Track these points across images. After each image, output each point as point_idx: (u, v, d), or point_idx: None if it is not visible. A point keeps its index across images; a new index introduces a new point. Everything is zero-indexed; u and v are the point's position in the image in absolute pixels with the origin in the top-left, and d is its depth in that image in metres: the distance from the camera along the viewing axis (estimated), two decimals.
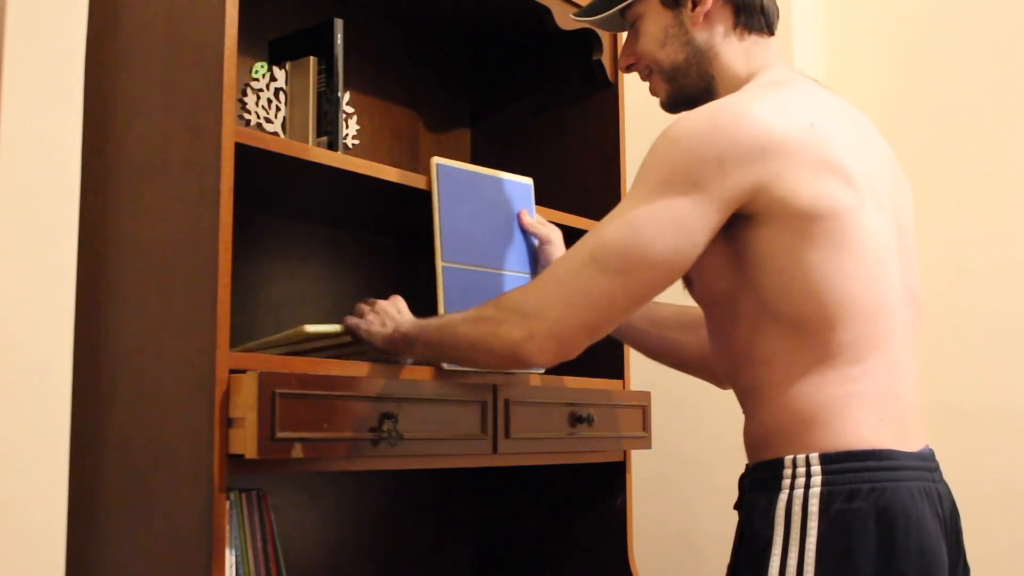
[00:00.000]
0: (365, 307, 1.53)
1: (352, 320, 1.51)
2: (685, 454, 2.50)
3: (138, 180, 1.51)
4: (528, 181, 1.89)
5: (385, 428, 1.46)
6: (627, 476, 2.00)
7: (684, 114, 1.30)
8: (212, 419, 1.34)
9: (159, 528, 1.40)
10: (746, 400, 1.35)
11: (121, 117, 1.55)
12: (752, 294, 1.28)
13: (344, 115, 1.87)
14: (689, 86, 1.44)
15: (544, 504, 2.13)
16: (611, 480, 2.01)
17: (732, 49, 1.42)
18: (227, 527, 1.36)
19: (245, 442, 1.33)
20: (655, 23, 1.45)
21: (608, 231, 1.28)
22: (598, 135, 2.12)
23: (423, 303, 1.63)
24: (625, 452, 1.99)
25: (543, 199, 2.09)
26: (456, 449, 1.61)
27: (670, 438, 2.43)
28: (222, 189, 1.38)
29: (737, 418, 1.38)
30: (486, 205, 1.76)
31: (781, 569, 1.20)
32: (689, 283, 1.38)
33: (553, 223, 1.96)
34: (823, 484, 1.21)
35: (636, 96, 2.43)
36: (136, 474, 1.44)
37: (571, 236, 2.03)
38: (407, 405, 1.51)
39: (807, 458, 1.23)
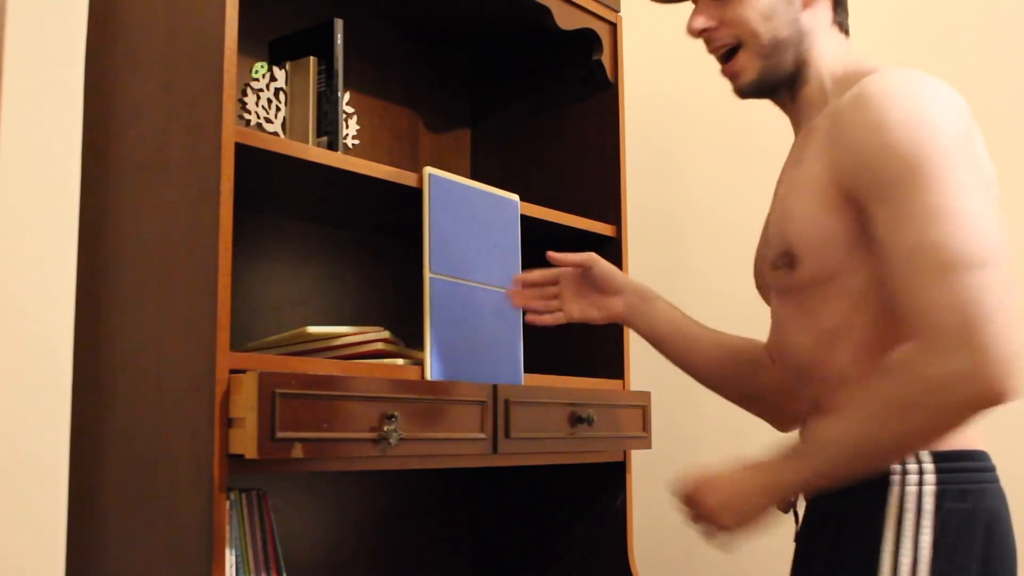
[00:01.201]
0: (689, 511, 1.28)
1: (709, 538, 1.27)
2: (685, 454, 2.50)
3: (138, 180, 1.51)
4: (515, 198, 1.87)
5: (385, 428, 1.46)
6: (627, 476, 2.00)
7: (896, 93, 1.17)
8: (212, 419, 1.34)
9: (159, 528, 1.40)
10: (834, 391, 1.25)
11: (121, 117, 1.55)
12: (868, 272, 1.21)
13: (344, 115, 1.87)
14: (782, 68, 1.32)
15: (544, 504, 2.13)
16: (611, 480, 2.01)
17: (829, 41, 1.34)
18: (227, 527, 1.36)
19: (245, 442, 1.33)
20: None
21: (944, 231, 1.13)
22: (598, 135, 2.12)
23: (421, 304, 1.62)
24: (625, 452, 1.99)
25: (543, 199, 2.09)
26: (456, 449, 1.61)
27: (670, 438, 2.43)
28: (222, 189, 1.38)
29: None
30: (475, 219, 1.74)
31: (894, 568, 1.16)
32: (790, 262, 1.25)
33: (552, 223, 1.96)
34: (937, 483, 1.18)
35: (636, 96, 2.44)
36: (136, 474, 1.44)
37: (571, 236, 2.03)
38: (407, 405, 1.50)
39: (918, 455, 1.19)
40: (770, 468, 1.23)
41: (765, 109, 1.43)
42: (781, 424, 1.56)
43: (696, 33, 1.35)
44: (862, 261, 1.21)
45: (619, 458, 1.98)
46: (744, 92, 1.35)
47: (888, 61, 1.29)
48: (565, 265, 1.61)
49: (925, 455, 1.19)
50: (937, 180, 1.14)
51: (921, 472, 1.19)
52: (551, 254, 1.60)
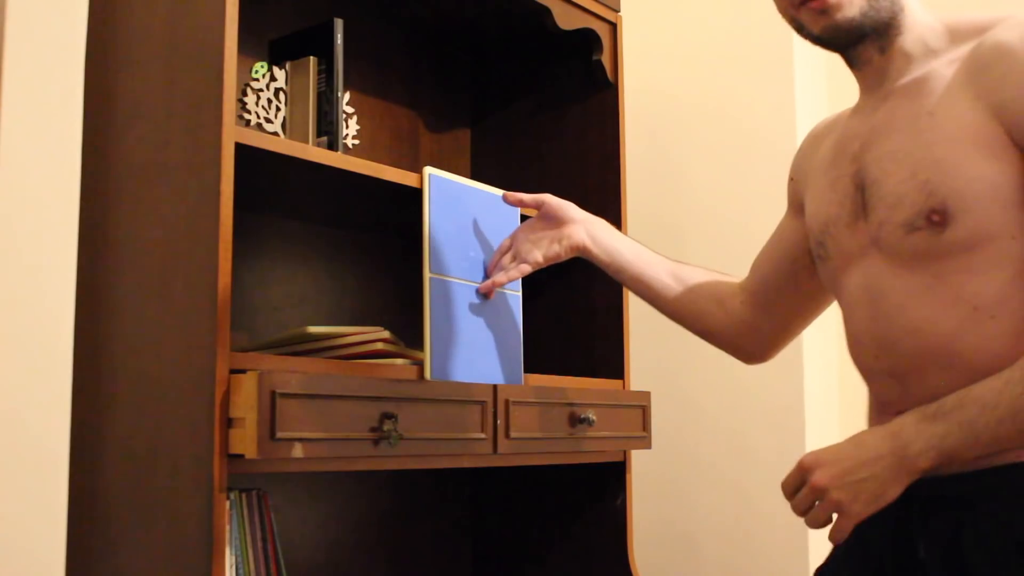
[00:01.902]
0: (800, 497, 1.10)
1: (824, 525, 1.10)
2: (685, 454, 2.50)
3: (138, 180, 1.51)
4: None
5: (385, 428, 1.46)
6: (627, 476, 2.00)
7: None
8: (212, 419, 1.34)
9: (159, 528, 1.40)
10: (962, 374, 1.08)
11: (121, 117, 1.55)
12: None
13: (344, 115, 1.87)
14: (883, 10, 1.17)
15: (544, 504, 2.13)
16: (611, 480, 2.01)
17: None
18: (227, 527, 1.36)
19: (245, 442, 1.33)
20: None
21: None
22: (598, 135, 2.12)
23: (421, 304, 1.62)
24: (625, 452, 1.99)
25: None
26: (456, 449, 1.61)
27: (670, 438, 2.43)
28: (222, 189, 1.38)
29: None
30: (475, 219, 1.74)
31: None
32: (941, 220, 1.09)
33: None
34: None
35: (636, 96, 2.44)
36: (136, 474, 1.44)
37: None
38: (407, 405, 1.50)
39: None
40: (897, 432, 1.05)
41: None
42: (748, 358, 1.51)
43: None
44: None
45: (619, 458, 1.98)
46: (841, 28, 1.18)
47: None
48: (518, 204, 1.62)
49: None
50: None
51: None
52: (506, 193, 1.64)
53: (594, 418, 1.82)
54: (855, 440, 1.08)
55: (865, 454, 1.06)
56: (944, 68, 1.14)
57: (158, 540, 1.40)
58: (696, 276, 1.53)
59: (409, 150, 2.19)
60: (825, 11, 1.17)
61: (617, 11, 2.12)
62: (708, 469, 2.49)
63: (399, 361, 1.62)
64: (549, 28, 1.99)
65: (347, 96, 2.01)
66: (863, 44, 1.20)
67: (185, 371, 1.39)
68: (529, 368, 1.85)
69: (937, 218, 1.08)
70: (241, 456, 1.34)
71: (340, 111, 1.76)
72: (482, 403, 1.64)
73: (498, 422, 1.67)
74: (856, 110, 1.29)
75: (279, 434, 1.33)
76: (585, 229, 1.56)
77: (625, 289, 2.05)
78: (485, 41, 2.28)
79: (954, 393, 1.05)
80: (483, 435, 1.64)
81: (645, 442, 1.97)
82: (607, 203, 2.08)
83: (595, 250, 1.55)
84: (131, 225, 1.51)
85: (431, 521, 2.15)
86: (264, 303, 1.87)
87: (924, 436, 1.04)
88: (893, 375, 1.16)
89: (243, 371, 1.35)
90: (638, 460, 2.15)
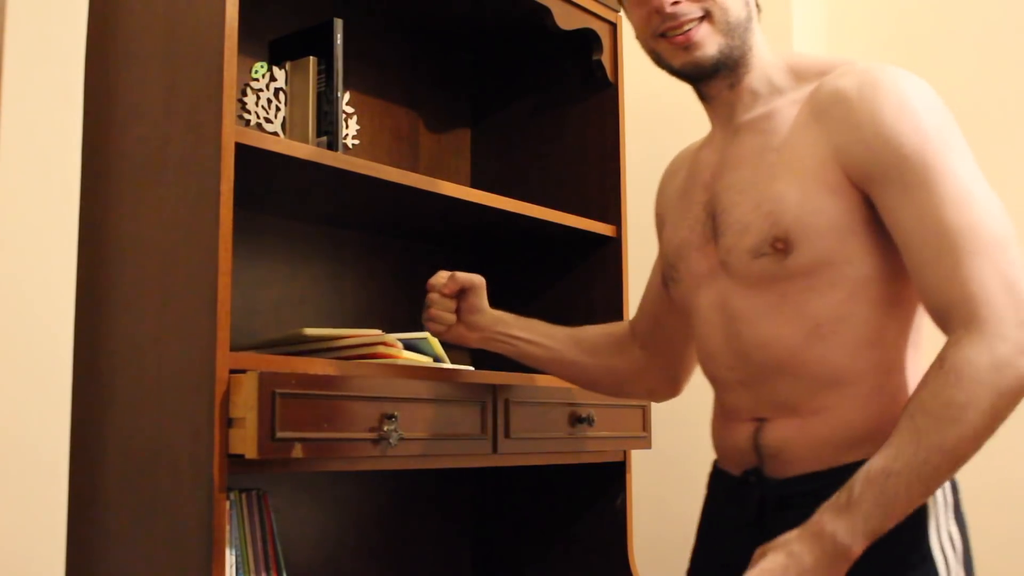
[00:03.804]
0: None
1: None
2: (685, 454, 2.49)
3: (138, 180, 1.51)
4: None
5: (385, 428, 1.46)
6: (627, 476, 2.00)
7: (903, 84, 1.17)
8: (212, 419, 1.34)
9: (159, 528, 1.40)
10: (821, 389, 1.20)
11: (121, 117, 1.55)
12: (870, 261, 1.18)
13: (344, 115, 1.87)
14: (736, 49, 1.26)
15: (544, 504, 2.13)
16: (611, 480, 2.01)
17: (759, 31, 1.31)
18: (227, 527, 1.35)
19: (245, 442, 1.33)
20: None
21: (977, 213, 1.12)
22: (598, 135, 2.12)
23: (422, 304, 1.62)
24: (625, 452, 1.99)
25: (543, 199, 2.09)
26: (456, 449, 1.61)
27: (670, 438, 2.43)
28: (222, 189, 1.38)
29: None
30: None
31: (940, 544, 1.16)
32: (784, 247, 1.18)
33: (552, 223, 1.96)
34: (955, 491, 1.21)
35: (636, 96, 2.43)
36: (136, 474, 1.44)
37: (571, 236, 2.03)
38: (407, 405, 1.50)
39: None
40: (818, 533, 1.08)
41: None
42: (660, 397, 1.61)
43: (669, 5, 1.24)
44: (863, 249, 1.18)
45: (619, 458, 1.98)
46: (699, 65, 1.26)
47: (889, 62, 1.29)
48: (460, 284, 1.57)
49: None
50: (957, 164, 1.13)
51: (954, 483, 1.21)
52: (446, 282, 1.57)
53: (594, 418, 1.82)
54: (786, 553, 1.09)
55: (801, 564, 1.08)
56: (788, 107, 1.24)
57: (158, 540, 1.40)
58: (593, 337, 1.60)
59: (409, 150, 2.19)
60: (687, 48, 1.26)
61: (617, 11, 2.12)
62: (708, 469, 2.48)
63: (399, 361, 1.62)
64: (549, 28, 1.99)
65: (347, 96, 2.01)
66: (715, 79, 1.29)
67: (185, 371, 1.39)
68: (529, 368, 1.85)
69: (781, 245, 1.18)
70: (241, 456, 1.34)
71: (340, 111, 1.76)
72: (482, 403, 1.64)
73: (498, 422, 1.67)
74: (707, 142, 1.39)
75: (279, 434, 1.33)
76: (481, 325, 1.57)
77: (625, 289, 2.05)
78: (485, 41, 2.28)
79: (855, 476, 1.09)
80: (483, 435, 1.64)
81: (645, 442, 1.97)
82: (607, 203, 2.08)
83: (488, 344, 1.59)
84: (131, 225, 1.51)
85: (431, 521, 2.15)
86: (264, 303, 1.87)
87: (846, 527, 1.07)
88: (744, 384, 1.26)
89: (243, 371, 1.35)
90: (638, 460, 2.15)
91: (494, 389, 1.67)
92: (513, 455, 1.71)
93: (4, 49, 1.51)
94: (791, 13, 2.51)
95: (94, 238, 1.56)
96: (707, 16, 1.24)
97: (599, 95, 2.13)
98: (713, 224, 1.28)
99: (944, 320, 1.11)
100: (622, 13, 2.14)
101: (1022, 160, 2.40)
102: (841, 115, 1.18)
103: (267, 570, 1.51)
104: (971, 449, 1.07)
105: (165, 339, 1.43)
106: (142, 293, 1.48)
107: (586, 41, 2.08)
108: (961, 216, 1.10)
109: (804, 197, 1.18)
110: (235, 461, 1.35)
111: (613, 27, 2.11)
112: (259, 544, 1.51)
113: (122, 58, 1.56)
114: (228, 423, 1.35)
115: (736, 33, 1.25)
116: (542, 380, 1.81)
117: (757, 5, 1.32)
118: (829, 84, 1.21)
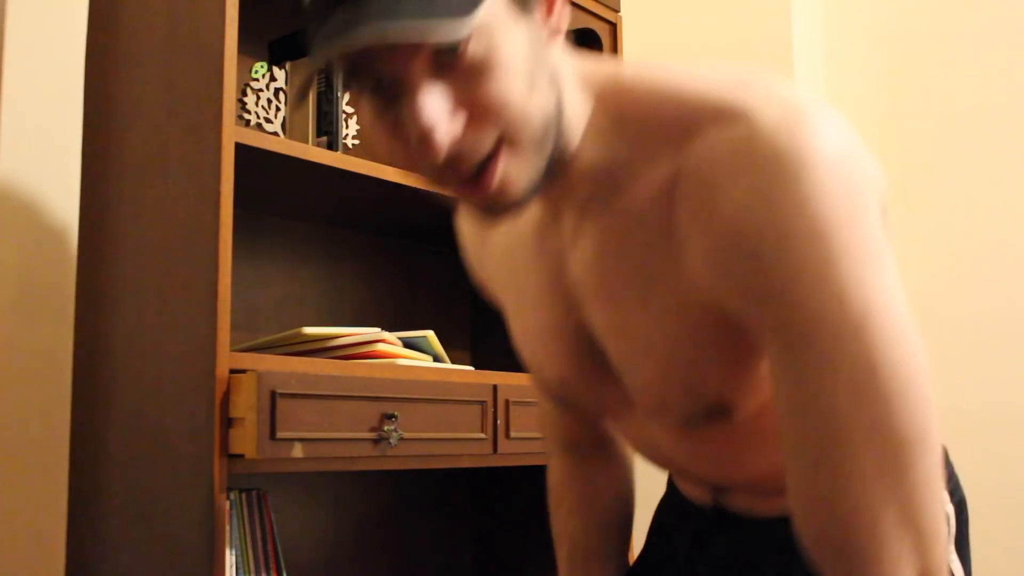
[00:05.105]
0: None
1: None
2: None
3: (138, 180, 1.51)
4: None
5: (385, 428, 1.46)
6: None
7: (819, 143, 0.75)
8: (212, 419, 1.34)
9: (159, 528, 1.40)
10: (750, 435, 0.96)
11: (121, 117, 1.55)
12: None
13: (344, 115, 1.87)
14: (552, 153, 0.83)
15: (544, 504, 2.13)
16: None
17: (570, 68, 0.87)
18: (227, 527, 1.36)
19: (245, 442, 1.33)
20: (513, 45, 0.78)
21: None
22: None
23: (422, 304, 1.62)
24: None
25: None
26: (456, 449, 1.61)
27: None
28: (222, 189, 1.38)
29: None
30: None
31: None
32: (725, 409, 0.92)
33: None
34: (960, 520, 1.12)
35: None
36: (136, 474, 1.44)
37: None
38: (407, 405, 1.50)
39: None
40: None
41: None
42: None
43: (443, 146, 0.77)
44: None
45: None
46: (509, 210, 0.83)
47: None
48: None
49: None
50: (865, 306, 0.75)
51: None
52: None
53: None
54: None
55: None
56: (643, 196, 0.84)
57: (158, 540, 1.40)
58: (600, 519, 1.46)
59: None
60: (491, 197, 0.82)
61: (617, 11, 2.12)
62: None
63: (399, 361, 1.62)
64: None
65: (347, 96, 2.00)
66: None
67: (185, 371, 1.39)
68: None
69: (718, 410, 0.92)
70: (241, 456, 1.34)
71: (340, 111, 1.76)
72: (482, 403, 1.64)
73: (498, 422, 1.67)
74: (541, 219, 0.97)
75: (279, 434, 1.33)
76: None
77: None
78: None
79: None
80: (483, 435, 1.64)
81: None
82: None
83: None
84: (131, 225, 1.51)
85: (431, 521, 2.15)
86: (264, 303, 1.87)
87: None
88: (690, 480, 1.18)
89: (243, 371, 1.35)
90: (638, 460, 2.15)
91: (494, 389, 1.67)
92: (513, 455, 1.71)
93: (4, 49, 1.52)
94: (791, 16, 2.51)
95: (94, 238, 1.56)
96: (503, 142, 0.79)
97: None
98: (606, 365, 0.96)
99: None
100: (622, 13, 2.14)
101: (1022, 160, 2.40)
102: (700, 214, 0.80)
103: (267, 570, 1.51)
104: None
105: (165, 339, 1.43)
106: (142, 293, 1.48)
107: (586, 41, 2.07)
108: (869, 410, 0.77)
109: (720, 354, 0.87)
110: (235, 461, 1.35)
111: (613, 27, 2.11)
112: (259, 544, 1.51)
113: (122, 58, 1.56)
114: (228, 423, 1.35)
115: (548, 136, 0.82)
116: None
117: (558, 28, 0.85)
118: (704, 172, 0.79)
